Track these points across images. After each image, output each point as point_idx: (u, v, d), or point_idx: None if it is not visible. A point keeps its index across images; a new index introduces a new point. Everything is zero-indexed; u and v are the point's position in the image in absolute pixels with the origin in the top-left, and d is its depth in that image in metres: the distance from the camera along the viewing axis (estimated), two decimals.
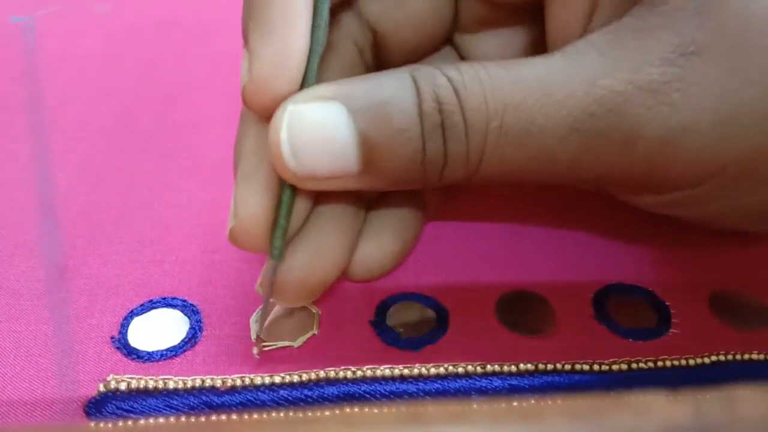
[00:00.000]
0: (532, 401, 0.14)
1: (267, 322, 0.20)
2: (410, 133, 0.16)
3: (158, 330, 0.20)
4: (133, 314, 0.20)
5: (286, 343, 0.19)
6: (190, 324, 0.20)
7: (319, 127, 0.16)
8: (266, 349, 0.19)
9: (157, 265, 0.22)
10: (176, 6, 0.32)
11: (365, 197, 0.21)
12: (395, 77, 0.16)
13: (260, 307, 0.20)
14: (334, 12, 0.19)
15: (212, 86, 0.29)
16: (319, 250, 0.18)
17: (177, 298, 0.21)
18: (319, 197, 0.19)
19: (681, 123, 0.16)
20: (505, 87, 0.16)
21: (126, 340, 0.19)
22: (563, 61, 0.16)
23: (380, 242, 0.21)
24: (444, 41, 0.22)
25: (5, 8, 0.32)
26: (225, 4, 0.33)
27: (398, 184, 0.17)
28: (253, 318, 0.20)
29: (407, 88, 0.16)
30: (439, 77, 0.16)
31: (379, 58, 0.21)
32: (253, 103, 0.17)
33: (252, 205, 0.17)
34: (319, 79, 0.17)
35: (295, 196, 0.17)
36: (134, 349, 0.19)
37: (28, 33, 0.31)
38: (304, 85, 0.17)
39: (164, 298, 0.21)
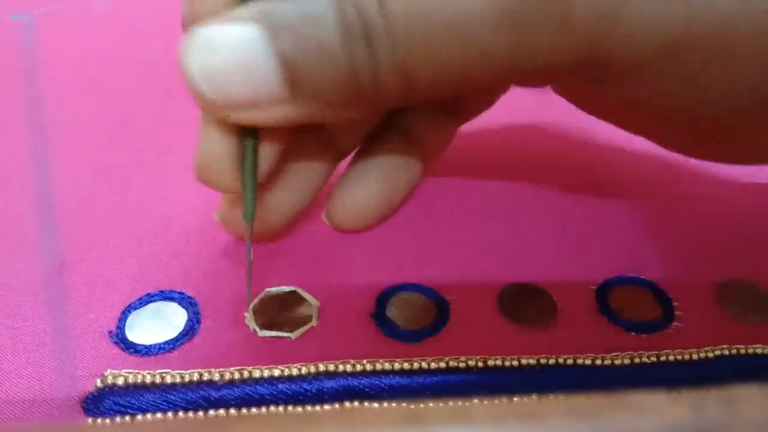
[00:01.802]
0: (533, 400, 0.14)
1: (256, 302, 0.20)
2: (333, 45, 0.15)
3: (156, 323, 0.20)
4: (130, 308, 0.20)
5: (284, 334, 0.19)
6: (188, 316, 0.20)
7: (233, 49, 0.15)
8: (264, 336, 0.19)
9: (154, 258, 0.21)
10: (176, 4, 0.32)
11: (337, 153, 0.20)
12: None
13: (254, 301, 0.20)
14: None
15: None
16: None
17: (174, 291, 0.21)
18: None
19: (616, 3, 0.14)
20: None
21: (124, 334, 0.19)
22: None
23: (363, 186, 0.20)
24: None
25: (5, 6, 0.32)
26: None
27: (333, 106, 0.16)
28: (248, 313, 0.20)
29: (328, 3, 0.15)
30: None
31: None
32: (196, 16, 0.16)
33: (215, 140, 0.17)
34: None
35: (257, 141, 0.17)
36: (132, 343, 0.19)
37: (28, 31, 0.30)
38: None
39: (162, 291, 0.20)
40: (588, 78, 0.16)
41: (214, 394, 0.18)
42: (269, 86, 0.15)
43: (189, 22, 0.16)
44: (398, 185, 0.21)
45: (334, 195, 0.22)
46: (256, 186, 0.18)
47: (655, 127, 0.19)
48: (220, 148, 0.17)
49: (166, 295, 0.20)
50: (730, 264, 0.22)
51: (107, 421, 0.17)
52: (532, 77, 0.17)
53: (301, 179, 0.21)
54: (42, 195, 0.23)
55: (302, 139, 0.20)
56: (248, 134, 0.17)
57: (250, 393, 0.18)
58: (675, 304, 0.20)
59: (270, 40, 0.15)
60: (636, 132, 0.20)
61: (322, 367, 0.19)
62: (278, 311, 0.20)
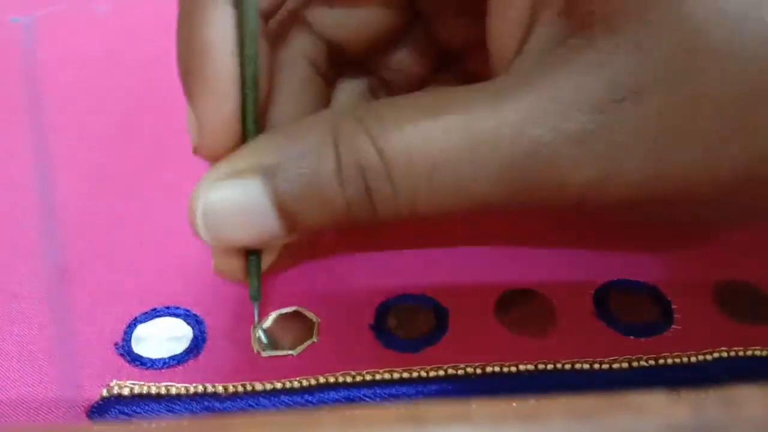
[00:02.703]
0: (532, 401, 0.14)
1: (267, 327, 0.20)
2: (334, 200, 0.16)
3: (162, 338, 0.20)
4: (136, 322, 0.20)
5: (286, 352, 0.20)
6: (194, 333, 0.20)
7: (235, 207, 0.16)
8: (266, 356, 0.20)
9: (160, 273, 0.22)
10: (176, 6, 0.32)
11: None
12: (315, 144, 0.16)
13: (262, 320, 0.21)
14: (283, 32, 0.19)
15: None
16: None
17: (180, 308, 0.21)
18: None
19: (606, 171, 0.15)
20: (432, 144, 0.15)
21: (129, 347, 0.19)
22: (492, 102, 0.15)
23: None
24: (403, 32, 0.22)
25: (5, 8, 0.33)
26: None
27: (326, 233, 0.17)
28: (255, 330, 0.20)
29: (327, 155, 0.15)
30: (361, 141, 0.15)
31: (336, 63, 0.21)
32: (209, 160, 0.17)
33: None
34: (261, 118, 0.17)
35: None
36: (138, 356, 0.19)
37: (28, 33, 0.31)
38: (245, 135, 0.17)
39: (168, 308, 0.21)
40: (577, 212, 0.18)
41: (218, 405, 0.18)
42: (269, 231, 0.16)
43: (196, 151, 0.17)
44: None
45: None
46: (260, 274, 0.19)
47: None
48: (227, 262, 0.19)
49: (172, 312, 0.21)
50: (728, 265, 0.22)
51: (112, 426, 0.17)
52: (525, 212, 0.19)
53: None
54: (45, 201, 0.23)
55: None
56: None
57: (253, 405, 0.18)
58: (674, 306, 0.20)
59: (270, 194, 0.16)
60: None
61: (322, 380, 0.19)
62: (281, 331, 0.20)
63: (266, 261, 0.19)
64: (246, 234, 0.16)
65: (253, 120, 0.17)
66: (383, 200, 0.16)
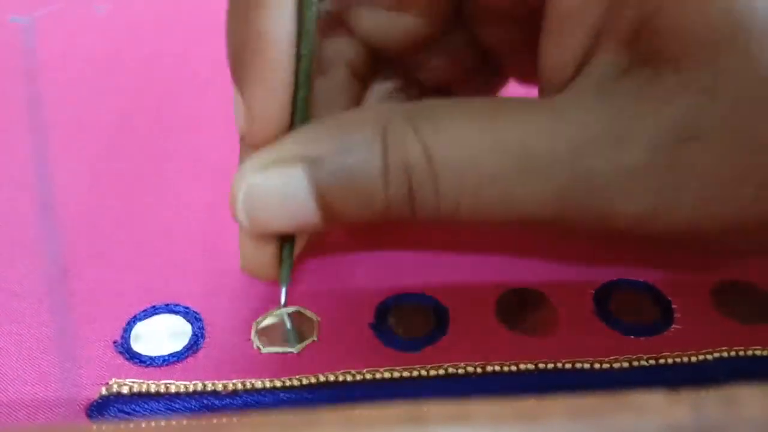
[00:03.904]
0: (532, 401, 0.14)
1: (265, 327, 0.20)
2: (375, 197, 0.16)
3: (160, 336, 0.20)
4: (135, 319, 0.20)
5: (287, 349, 0.20)
6: (193, 331, 0.20)
7: (276, 194, 0.16)
8: (267, 352, 0.20)
9: (159, 271, 0.22)
10: (176, 6, 0.32)
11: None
12: (363, 140, 0.15)
13: (263, 315, 0.21)
14: (324, 34, 0.19)
15: (212, 86, 0.29)
16: None
17: (180, 305, 0.21)
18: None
19: (657, 206, 0.15)
20: (483, 157, 0.15)
21: (128, 344, 0.19)
22: (549, 122, 0.15)
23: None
24: (445, 32, 0.21)
25: (5, 8, 0.33)
26: (225, 5, 0.33)
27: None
28: (255, 326, 0.20)
29: (374, 152, 0.15)
30: (411, 142, 0.15)
31: (375, 67, 0.21)
32: (253, 148, 0.17)
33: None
34: (309, 114, 0.17)
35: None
36: (137, 353, 0.19)
37: (28, 33, 0.31)
38: (293, 124, 0.17)
39: (167, 305, 0.21)
40: None
41: (217, 403, 0.18)
42: (307, 220, 0.16)
43: (243, 139, 0.18)
44: None
45: None
46: (293, 260, 0.19)
47: None
48: (259, 250, 0.19)
49: (171, 309, 0.21)
50: (728, 265, 0.22)
51: (110, 425, 0.17)
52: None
53: None
54: (44, 200, 0.23)
55: None
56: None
57: (252, 403, 0.18)
58: (674, 306, 0.20)
59: (312, 184, 0.16)
60: None
61: (322, 378, 0.19)
62: (280, 328, 0.20)
63: (298, 246, 0.19)
64: (284, 220, 0.16)
65: (302, 116, 0.17)
66: (425, 203, 0.16)
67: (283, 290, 0.20)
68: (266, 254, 0.19)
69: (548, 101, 0.16)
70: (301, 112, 0.17)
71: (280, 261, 0.19)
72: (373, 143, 0.15)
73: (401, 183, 0.15)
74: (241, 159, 0.19)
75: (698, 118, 0.14)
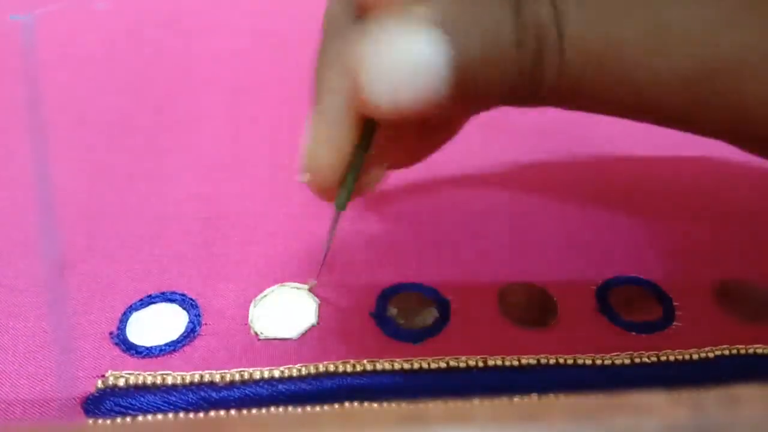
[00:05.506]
0: (533, 400, 0.14)
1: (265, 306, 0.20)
2: (506, 64, 0.15)
3: (157, 325, 0.20)
4: (131, 309, 0.20)
5: (285, 336, 0.19)
6: (189, 318, 0.20)
7: (408, 56, 0.14)
8: (265, 339, 0.19)
9: (155, 259, 0.21)
10: (176, 4, 0.32)
11: None
12: (497, 3, 0.15)
13: (259, 295, 0.20)
14: None
15: (211, 84, 0.29)
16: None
17: (176, 293, 0.21)
18: None
19: None
20: (613, 21, 0.14)
21: (125, 335, 0.19)
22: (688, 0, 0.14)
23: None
24: None
25: (4, 6, 0.32)
26: (225, 3, 0.33)
27: (477, 105, 0.17)
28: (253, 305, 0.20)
29: (508, 17, 0.14)
30: (543, 5, 0.14)
31: None
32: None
33: (327, 155, 0.17)
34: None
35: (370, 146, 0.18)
36: (133, 344, 0.19)
37: (28, 31, 0.30)
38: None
39: (163, 293, 0.21)
40: None
41: (214, 395, 0.18)
42: (434, 92, 0.15)
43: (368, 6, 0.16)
44: None
45: None
46: (352, 191, 0.18)
47: None
48: (337, 140, 0.17)
49: (167, 297, 0.20)
50: (730, 264, 0.22)
51: (107, 421, 0.17)
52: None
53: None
54: (42, 195, 0.23)
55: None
56: (367, 132, 0.18)
57: (250, 394, 0.18)
58: (675, 303, 0.20)
59: (446, 50, 0.14)
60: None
61: (322, 368, 0.19)
62: (280, 311, 0.20)
63: (377, 176, 0.19)
64: (410, 93, 0.15)
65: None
66: (552, 67, 0.15)
67: (337, 216, 0.19)
68: (335, 157, 0.17)
69: None
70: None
71: (344, 181, 0.18)
72: (505, 7, 0.15)
73: (532, 42, 0.15)
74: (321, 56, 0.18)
75: None
